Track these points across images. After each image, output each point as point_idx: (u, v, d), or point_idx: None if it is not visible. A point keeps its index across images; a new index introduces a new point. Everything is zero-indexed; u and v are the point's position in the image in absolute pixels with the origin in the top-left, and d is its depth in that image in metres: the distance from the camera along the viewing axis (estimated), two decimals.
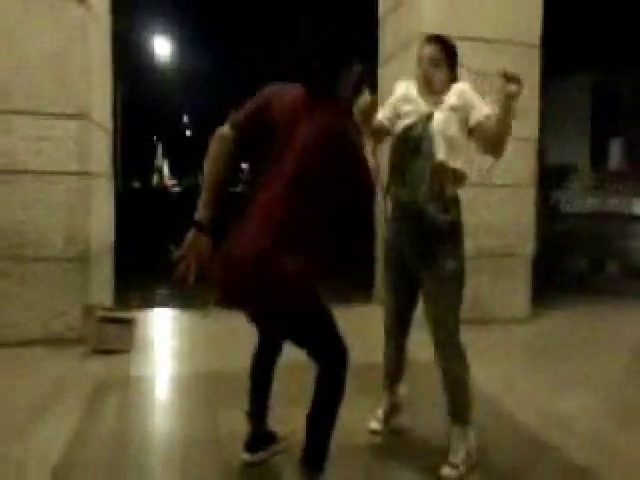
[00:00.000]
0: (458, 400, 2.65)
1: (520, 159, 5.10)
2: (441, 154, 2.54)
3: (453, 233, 2.72)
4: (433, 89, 2.61)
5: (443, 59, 2.63)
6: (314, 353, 2.18)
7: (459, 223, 2.78)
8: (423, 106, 2.60)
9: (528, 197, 5.17)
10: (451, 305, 2.74)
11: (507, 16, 4.99)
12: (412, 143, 2.56)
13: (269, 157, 2.16)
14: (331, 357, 2.16)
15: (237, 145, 2.17)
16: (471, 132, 2.63)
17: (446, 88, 2.62)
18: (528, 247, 5.19)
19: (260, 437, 2.55)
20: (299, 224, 2.06)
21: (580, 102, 13.82)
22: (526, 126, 5.11)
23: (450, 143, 2.56)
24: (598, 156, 13.76)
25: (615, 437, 2.87)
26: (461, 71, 2.83)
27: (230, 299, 2.23)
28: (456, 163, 2.62)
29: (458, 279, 2.77)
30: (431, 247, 2.61)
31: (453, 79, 2.69)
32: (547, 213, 7.16)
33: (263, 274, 2.01)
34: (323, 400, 2.15)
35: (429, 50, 2.62)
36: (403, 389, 2.98)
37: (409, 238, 2.62)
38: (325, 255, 2.14)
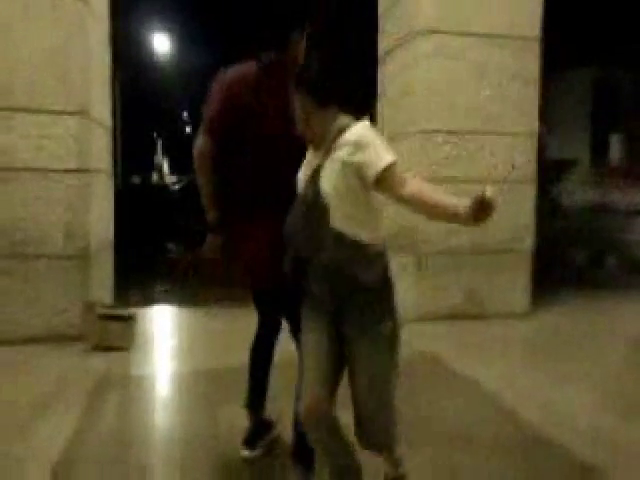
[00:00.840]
0: None
1: (520, 154, 5.09)
2: (336, 222, 1.89)
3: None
4: (315, 138, 1.98)
5: (311, 103, 1.93)
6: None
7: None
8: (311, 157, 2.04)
9: (528, 192, 5.16)
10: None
11: (507, 10, 4.97)
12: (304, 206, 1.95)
13: (246, 140, 2.29)
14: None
15: (219, 146, 2.30)
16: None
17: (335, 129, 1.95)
18: (528, 242, 5.18)
19: (258, 430, 2.59)
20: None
21: (581, 97, 13.79)
22: (526, 121, 5.10)
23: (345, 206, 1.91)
24: (598, 151, 13.74)
25: (616, 431, 2.87)
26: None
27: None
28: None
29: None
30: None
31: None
32: (547, 208, 7.15)
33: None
34: None
35: (296, 102, 1.99)
36: None
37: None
38: None
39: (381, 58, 5.82)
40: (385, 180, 1.89)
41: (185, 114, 34.85)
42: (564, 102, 12.78)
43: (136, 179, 21.31)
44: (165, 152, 37.00)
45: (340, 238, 1.87)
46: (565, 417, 3.03)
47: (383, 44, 5.78)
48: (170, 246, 11.10)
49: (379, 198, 2.02)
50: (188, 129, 38.59)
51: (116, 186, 5.64)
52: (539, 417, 3.01)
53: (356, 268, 1.91)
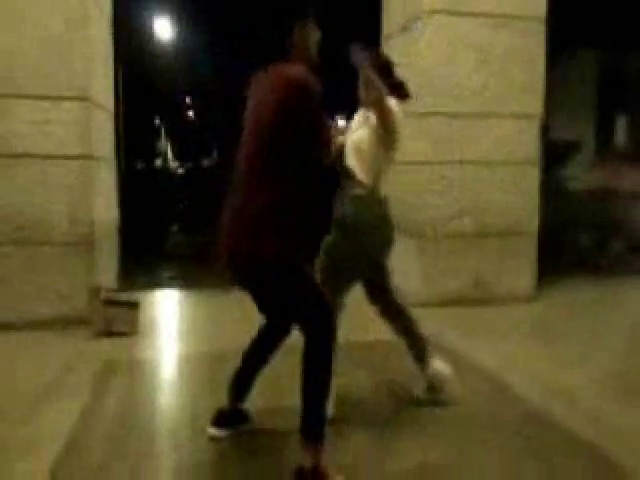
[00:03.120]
0: None
1: (524, 136, 5.06)
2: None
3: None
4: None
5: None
6: (299, 319, 2.25)
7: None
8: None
9: (533, 175, 5.14)
10: None
11: None
12: None
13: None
14: (315, 324, 2.19)
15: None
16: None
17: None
18: (533, 225, 5.17)
19: (232, 414, 2.62)
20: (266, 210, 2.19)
21: (586, 79, 13.66)
22: (531, 103, 5.06)
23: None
24: (604, 133, 13.64)
25: (619, 412, 2.88)
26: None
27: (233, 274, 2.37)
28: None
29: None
30: None
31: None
32: (552, 191, 7.11)
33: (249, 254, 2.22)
34: (311, 369, 2.17)
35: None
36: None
37: None
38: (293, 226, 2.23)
39: (385, 39, 5.77)
40: None
41: (188, 99, 34.74)
42: (569, 84, 12.67)
43: (140, 164, 21.31)
44: (168, 137, 36.96)
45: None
46: (568, 399, 3.05)
47: (387, 25, 5.73)
48: (173, 230, 11.14)
49: None
50: (191, 113, 38.49)
51: (119, 171, 5.63)
52: (543, 398, 3.03)
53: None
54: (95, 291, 4.24)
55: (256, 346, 2.61)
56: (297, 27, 2.37)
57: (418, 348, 2.94)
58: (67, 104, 4.25)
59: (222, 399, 2.65)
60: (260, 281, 2.28)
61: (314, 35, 2.44)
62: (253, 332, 2.62)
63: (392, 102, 2.70)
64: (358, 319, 3.24)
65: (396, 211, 5.46)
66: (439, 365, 2.92)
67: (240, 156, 2.33)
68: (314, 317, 2.20)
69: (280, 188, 2.19)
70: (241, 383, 2.62)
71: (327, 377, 2.18)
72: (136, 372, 3.47)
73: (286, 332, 2.56)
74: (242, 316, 2.67)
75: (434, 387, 2.91)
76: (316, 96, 2.20)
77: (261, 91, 2.32)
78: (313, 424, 2.17)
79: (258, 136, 2.26)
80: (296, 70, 2.24)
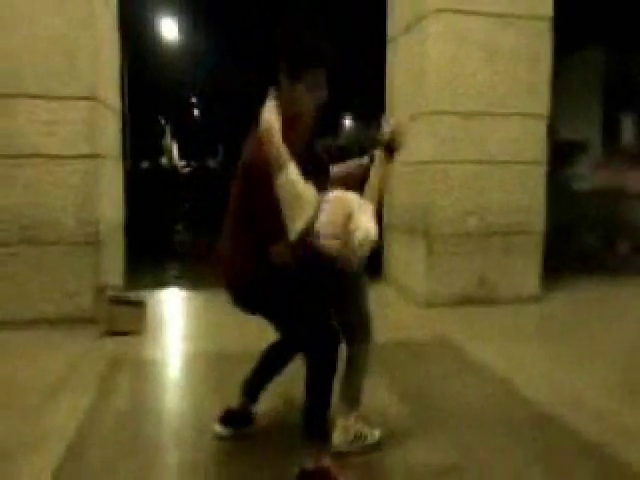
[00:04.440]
0: None
1: (530, 136, 5.05)
2: None
3: None
4: None
5: None
6: (294, 331, 2.26)
7: None
8: None
9: (539, 174, 5.13)
10: None
11: None
12: None
13: None
14: (312, 339, 2.15)
15: None
16: None
17: None
18: (538, 225, 5.16)
19: (239, 415, 2.61)
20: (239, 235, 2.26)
21: (592, 77, 13.62)
22: (537, 102, 5.05)
23: None
24: (610, 133, 13.59)
25: (624, 413, 2.87)
26: None
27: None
28: None
29: None
30: None
31: None
32: (558, 191, 7.10)
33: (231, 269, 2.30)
34: (312, 374, 2.16)
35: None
36: None
37: None
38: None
39: (390, 40, 5.77)
40: None
41: (194, 99, 34.78)
42: (575, 84, 12.64)
43: (146, 164, 21.37)
44: (174, 136, 37.02)
45: None
46: (574, 399, 3.04)
47: (392, 25, 5.73)
48: (179, 229, 11.16)
49: None
50: (196, 112, 38.54)
51: (125, 171, 5.65)
52: (548, 398, 3.03)
53: None
54: (101, 290, 4.26)
55: (276, 349, 2.58)
56: (283, 78, 2.18)
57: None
58: (74, 104, 4.26)
59: (227, 398, 2.66)
60: (255, 300, 2.28)
61: (310, 98, 2.20)
62: (258, 332, 2.62)
63: None
64: None
65: (402, 211, 5.49)
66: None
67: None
68: (308, 329, 2.18)
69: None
70: (256, 384, 2.62)
71: (328, 382, 2.15)
72: (141, 371, 3.48)
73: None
74: (247, 316, 2.67)
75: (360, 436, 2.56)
76: (265, 184, 2.02)
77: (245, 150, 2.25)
78: (315, 425, 2.17)
79: (234, 195, 2.27)
80: (254, 153, 2.11)
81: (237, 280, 2.29)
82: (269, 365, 2.62)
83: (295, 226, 1.97)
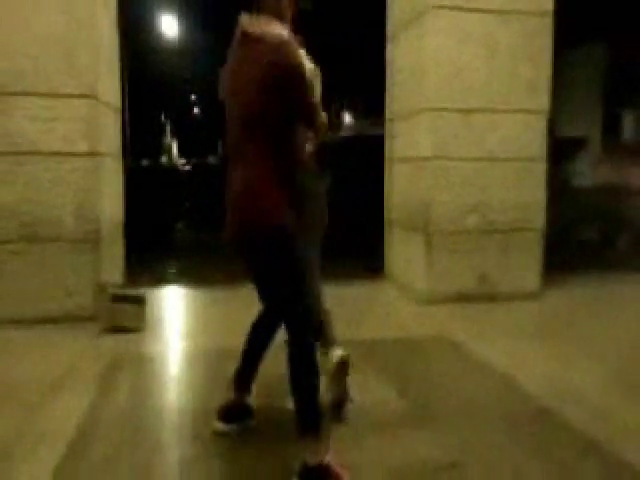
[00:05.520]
0: None
1: (530, 132, 5.04)
2: None
3: None
4: None
5: None
6: (282, 308, 2.28)
7: None
8: None
9: (539, 171, 5.12)
10: None
11: None
12: None
13: None
14: (295, 314, 2.19)
15: None
16: None
17: None
18: (539, 222, 5.15)
19: (237, 409, 2.61)
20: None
21: (593, 73, 13.59)
22: (537, 99, 5.04)
23: None
24: (611, 128, 13.57)
25: (624, 409, 2.87)
26: None
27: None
28: None
29: None
30: None
31: None
32: (558, 187, 7.09)
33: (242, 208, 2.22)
34: (297, 365, 2.17)
35: None
36: None
37: None
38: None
39: (390, 36, 5.76)
40: None
41: (193, 96, 34.76)
42: (576, 80, 12.61)
43: (145, 162, 21.36)
44: (174, 134, 36.99)
45: None
46: (574, 395, 3.04)
47: (392, 22, 5.72)
48: (179, 227, 11.16)
49: None
50: (196, 110, 38.52)
51: (125, 168, 5.64)
52: (548, 395, 3.02)
53: None
54: (102, 287, 4.26)
55: (254, 333, 2.61)
56: None
57: None
58: (73, 101, 4.26)
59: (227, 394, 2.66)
60: (257, 252, 2.24)
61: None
62: None
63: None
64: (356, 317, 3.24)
65: (402, 208, 5.48)
66: None
67: (229, 134, 2.29)
68: (290, 307, 2.21)
69: (272, 159, 2.15)
70: (244, 374, 2.62)
71: (312, 372, 2.17)
72: (142, 368, 3.48)
73: (277, 324, 2.55)
74: (248, 313, 2.67)
75: None
76: (301, 71, 2.13)
77: (239, 57, 2.23)
78: (307, 419, 2.16)
79: (243, 114, 2.19)
80: (277, 38, 2.11)
81: (257, 228, 2.18)
82: (252, 351, 2.61)
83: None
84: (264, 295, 2.47)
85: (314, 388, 2.17)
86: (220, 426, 2.59)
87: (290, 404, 2.25)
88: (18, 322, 4.16)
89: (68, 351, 3.71)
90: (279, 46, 2.09)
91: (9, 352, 3.72)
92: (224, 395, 2.66)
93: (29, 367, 3.44)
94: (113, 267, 4.94)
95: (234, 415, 2.61)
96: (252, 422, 2.64)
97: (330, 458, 2.15)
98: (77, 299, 4.33)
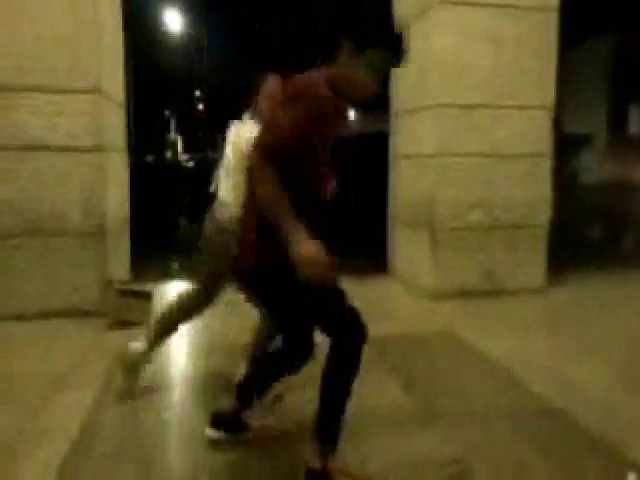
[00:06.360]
0: None
1: (536, 128, 5.03)
2: None
3: None
4: None
5: None
6: (324, 325, 2.10)
7: None
8: None
9: (544, 167, 5.11)
10: None
11: None
12: None
13: None
14: (342, 330, 2.06)
15: None
16: None
17: None
18: (544, 218, 5.14)
19: (230, 420, 2.45)
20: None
21: (599, 68, 13.53)
22: (542, 94, 5.02)
23: None
24: (617, 125, 13.51)
25: (629, 405, 2.87)
26: None
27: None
28: None
29: None
30: None
31: None
32: (563, 183, 7.08)
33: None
34: (335, 374, 2.07)
35: None
36: None
37: None
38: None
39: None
40: None
41: (198, 92, 34.73)
42: (581, 74, 12.55)
43: (150, 157, 21.37)
44: (178, 130, 36.99)
45: None
46: (578, 391, 3.04)
47: (397, 17, 5.70)
48: (184, 221, 11.16)
49: None
50: (200, 106, 38.49)
51: (130, 164, 5.65)
52: (553, 391, 3.03)
53: None
54: (108, 282, 4.27)
55: (275, 356, 2.39)
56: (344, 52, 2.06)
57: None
58: (78, 96, 4.26)
59: (234, 387, 2.64)
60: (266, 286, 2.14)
61: (364, 62, 2.05)
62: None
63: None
64: None
65: (407, 204, 5.47)
66: None
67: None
68: (339, 324, 2.07)
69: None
70: (249, 391, 2.43)
71: (348, 384, 2.07)
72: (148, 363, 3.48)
73: (308, 351, 2.24)
74: (253, 308, 2.68)
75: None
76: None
77: None
78: (331, 430, 2.10)
79: None
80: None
81: (253, 259, 2.10)
82: (265, 373, 2.41)
83: None
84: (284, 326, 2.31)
85: (345, 401, 2.08)
86: (208, 431, 2.45)
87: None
88: (23, 317, 4.18)
89: (73, 346, 3.72)
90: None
91: (14, 347, 3.74)
92: (226, 398, 2.56)
93: (34, 362, 3.45)
94: (118, 262, 4.95)
95: (225, 425, 2.45)
96: (243, 437, 2.47)
97: (334, 463, 2.10)
98: (83, 294, 4.34)
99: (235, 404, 2.43)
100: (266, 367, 2.42)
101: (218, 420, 2.46)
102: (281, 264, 1.93)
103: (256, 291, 2.25)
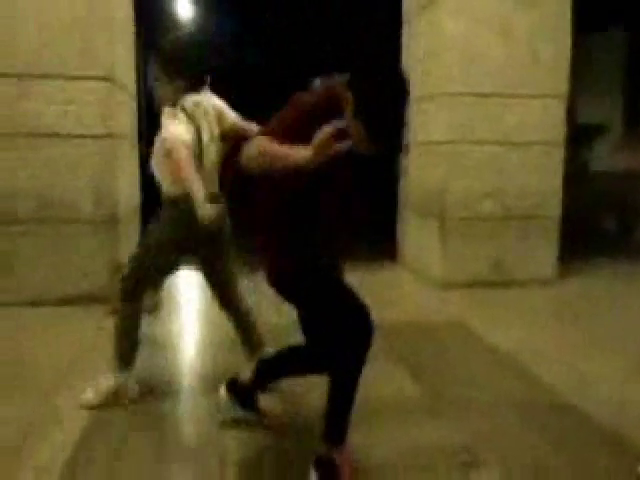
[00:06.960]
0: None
1: (549, 117, 4.98)
2: None
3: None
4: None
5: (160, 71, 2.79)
6: (333, 324, 2.10)
7: None
8: None
9: (557, 156, 5.07)
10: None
11: None
12: None
13: None
14: (350, 331, 2.06)
15: None
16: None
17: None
18: (556, 208, 5.11)
19: (243, 392, 2.52)
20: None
21: (615, 59, 13.36)
22: (556, 83, 4.97)
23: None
24: (631, 114, 13.35)
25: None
26: None
27: None
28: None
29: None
30: None
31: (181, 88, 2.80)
32: (576, 173, 7.01)
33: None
34: (340, 374, 2.09)
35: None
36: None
37: None
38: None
39: (406, 19, 5.70)
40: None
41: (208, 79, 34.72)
42: (596, 63, 12.39)
43: None
44: None
45: None
46: (589, 384, 3.03)
47: (407, 5, 5.66)
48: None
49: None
50: None
51: (141, 152, 5.66)
52: (563, 384, 3.01)
53: None
54: (118, 269, 4.29)
55: (304, 354, 2.39)
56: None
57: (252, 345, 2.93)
58: (90, 84, 4.26)
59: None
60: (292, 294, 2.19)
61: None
62: (275, 312, 2.60)
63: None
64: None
65: (417, 193, 5.45)
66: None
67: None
68: (345, 326, 2.07)
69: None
70: (268, 371, 2.49)
71: (357, 378, 2.08)
72: (156, 350, 3.49)
73: (329, 362, 2.17)
74: (263, 295, 2.68)
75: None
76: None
77: None
78: (340, 431, 2.11)
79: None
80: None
81: (276, 276, 2.17)
82: (289, 365, 2.46)
83: None
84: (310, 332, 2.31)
85: (353, 396, 2.09)
86: (221, 390, 2.55)
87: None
88: (35, 303, 4.21)
89: (84, 332, 3.75)
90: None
91: (24, 333, 3.77)
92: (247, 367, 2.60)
93: (46, 347, 3.49)
94: (130, 249, 4.96)
95: (236, 392, 2.53)
96: (250, 416, 2.54)
97: (340, 455, 2.10)
98: (93, 281, 4.37)
99: (251, 376, 2.50)
100: (292, 360, 2.44)
101: (232, 385, 2.55)
102: (303, 272, 2.08)
103: (296, 304, 2.24)
